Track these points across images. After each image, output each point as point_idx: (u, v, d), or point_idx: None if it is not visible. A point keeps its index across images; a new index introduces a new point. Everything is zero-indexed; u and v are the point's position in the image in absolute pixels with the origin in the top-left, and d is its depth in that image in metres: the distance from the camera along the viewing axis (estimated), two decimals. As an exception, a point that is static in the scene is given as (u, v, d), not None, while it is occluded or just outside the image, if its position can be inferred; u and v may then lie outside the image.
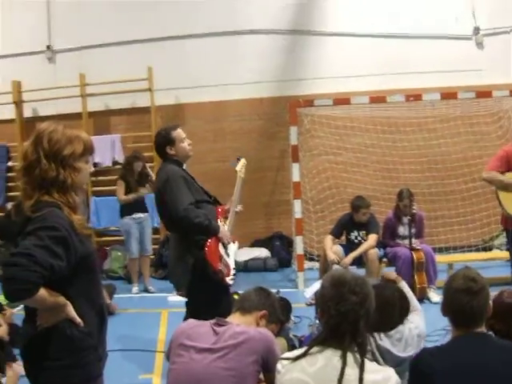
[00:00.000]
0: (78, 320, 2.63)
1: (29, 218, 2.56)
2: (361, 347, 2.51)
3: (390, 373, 2.54)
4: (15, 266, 2.34)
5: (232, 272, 4.99)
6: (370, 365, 2.51)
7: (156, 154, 5.30)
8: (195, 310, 4.79)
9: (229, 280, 4.92)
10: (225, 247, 4.97)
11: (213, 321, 3.16)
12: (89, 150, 2.80)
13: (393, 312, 3.64)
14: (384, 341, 3.53)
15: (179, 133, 5.02)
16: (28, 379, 2.77)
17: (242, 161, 5.64)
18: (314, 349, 2.56)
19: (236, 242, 5.24)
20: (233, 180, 9.82)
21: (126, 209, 8.70)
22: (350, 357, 2.46)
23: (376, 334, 3.55)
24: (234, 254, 5.18)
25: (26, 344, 2.71)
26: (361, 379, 2.40)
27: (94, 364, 2.74)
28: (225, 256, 4.94)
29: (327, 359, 2.48)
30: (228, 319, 3.23)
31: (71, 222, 2.60)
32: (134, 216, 8.62)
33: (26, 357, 2.75)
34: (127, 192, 8.68)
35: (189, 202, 4.71)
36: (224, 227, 4.98)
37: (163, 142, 4.99)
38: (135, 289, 8.92)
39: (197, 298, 4.93)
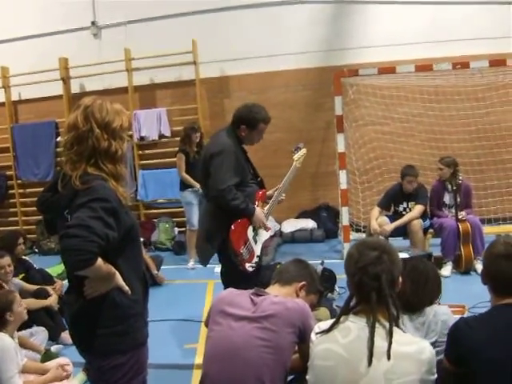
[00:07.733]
0: (126, 288, 2.69)
1: (77, 190, 2.60)
2: (389, 310, 2.44)
3: (423, 345, 2.46)
4: (75, 237, 2.38)
5: (255, 260, 4.90)
6: (402, 336, 2.45)
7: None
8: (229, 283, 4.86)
9: (248, 266, 4.83)
10: (255, 232, 4.92)
11: (251, 290, 3.18)
12: (130, 124, 2.86)
13: (425, 287, 3.38)
14: (407, 327, 3.22)
15: (263, 128, 4.91)
16: (77, 348, 2.84)
17: (303, 151, 5.53)
18: (345, 317, 2.54)
19: (270, 231, 5.13)
20: (279, 152, 9.79)
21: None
22: (380, 328, 2.42)
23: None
24: (263, 242, 5.07)
25: (75, 313, 2.77)
26: (389, 348, 2.35)
27: (141, 330, 2.82)
28: (251, 241, 4.88)
29: (360, 330, 2.45)
30: (267, 290, 3.24)
31: (116, 193, 2.65)
32: (194, 188, 8.41)
33: (75, 326, 2.81)
34: (187, 164, 8.53)
35: (231, 183, 4.65)
36: (260, 211, 4.90)
37: (246, 120, 4.84)
38: (191, 263, 8.77)
39: (228, 273, 4.99)
